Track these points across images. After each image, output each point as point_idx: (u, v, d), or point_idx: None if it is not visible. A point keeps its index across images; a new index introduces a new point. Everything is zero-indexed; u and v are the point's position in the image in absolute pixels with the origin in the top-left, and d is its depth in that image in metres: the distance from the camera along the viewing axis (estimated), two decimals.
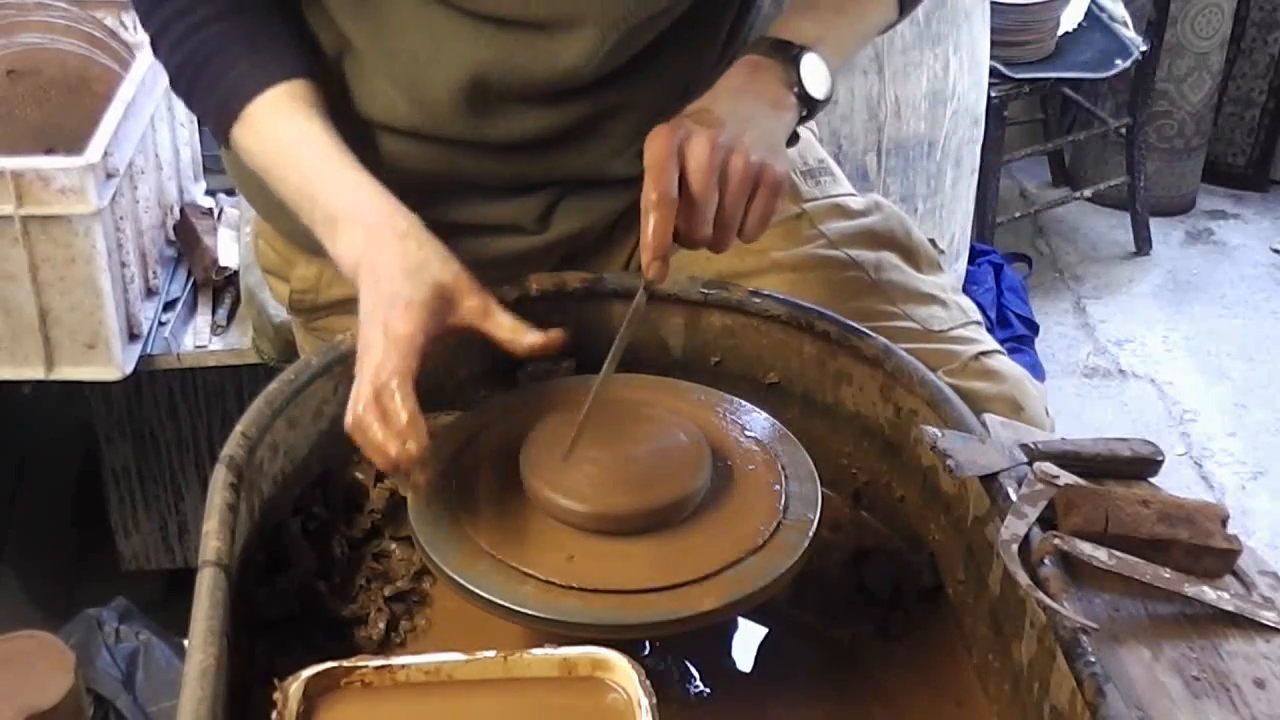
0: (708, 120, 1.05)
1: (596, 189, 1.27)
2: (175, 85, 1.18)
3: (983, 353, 1.27)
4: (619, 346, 1.04)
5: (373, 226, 1.06)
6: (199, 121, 1.21)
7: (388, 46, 1.18)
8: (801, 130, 1.40)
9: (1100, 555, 0.94)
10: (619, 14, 1.13)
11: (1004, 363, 1.28)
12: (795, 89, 1.13)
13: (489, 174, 1.25)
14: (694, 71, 1.23)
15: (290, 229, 1.26)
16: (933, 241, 1.40)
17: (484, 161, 1.23)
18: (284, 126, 1.12)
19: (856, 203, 1.35)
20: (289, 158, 1.11)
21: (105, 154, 1.71)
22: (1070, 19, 3.11)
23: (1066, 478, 1.01)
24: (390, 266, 1.03)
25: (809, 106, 1.14)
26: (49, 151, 1.87)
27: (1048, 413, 1.28)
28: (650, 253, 1.00)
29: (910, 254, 1.34)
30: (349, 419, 0.98)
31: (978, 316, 1.33)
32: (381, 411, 0.97)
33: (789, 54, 1.13)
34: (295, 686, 0.83)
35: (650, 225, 0.99)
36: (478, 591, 0.93)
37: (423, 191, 1.26)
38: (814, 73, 1.13)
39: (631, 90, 1.20)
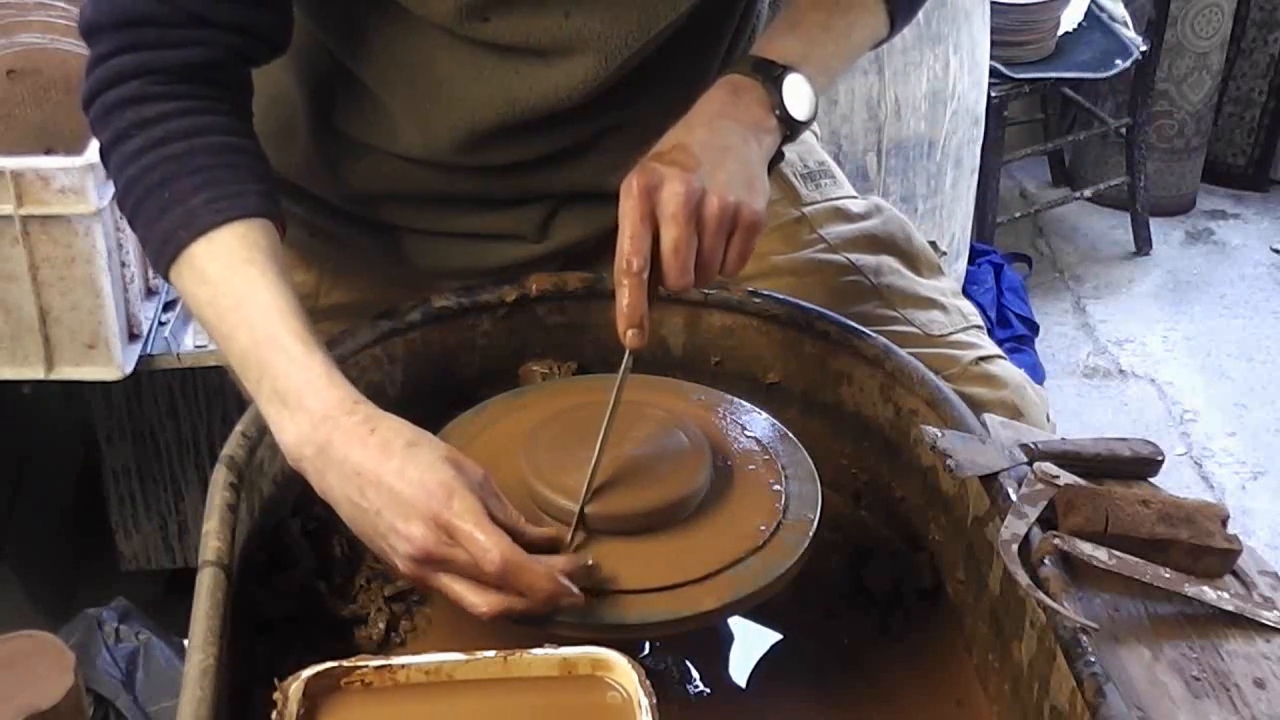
0: (681, 160, 1.01)
1: (597, 200, 1.27)
2: (121, 202, 1.07)
3: (983, 358, 1.27)
4: (613, 411, 1.00)
5: (323, 410, 0.95)
6: (142, 248, 1.09)
7: (388, 81, 1.16)
8: (807, 136, 1.39)
9: (1100, 555, 0.94)
10: (621, 39, 1.11)
11: (1004, 368, 1.28)
12: (777, 111, 1.09)
13: (488, 191, 1.24)
14: (695, 83, 1.22)
15: (289, 237, 1.26)
16: (934, 244, 1.39)
17: (483, 181, 1.23)
18: (232, 277, 1.01)
19: (857, 206, 1.35)
20: (238, 316, 1.00)
21: None
22: (1070, 19, 3.11)
23: (1066, 478, 1.01)
24: (361, 429, 0.94)
25: (791, 128, 1.10)
26: (49, 151, 1.86)
27: (1049, 418, 1.28)
28: (625, 321, 0.99)
29: (910, 258, 1.34)
30: (484, 605, 0.90)
31: (978, 321, 1.33)
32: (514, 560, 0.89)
33: (771, 74, 1.09)
34: (295, 686, 0.83)
35: (625, 297, 0.98)
36: None
37: (421, 203, 1.26)
38: (796, 94, 1.09)
39: (631, 108, 1.20)
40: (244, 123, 1.10)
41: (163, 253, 1.03)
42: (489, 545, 0.88)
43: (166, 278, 1.05)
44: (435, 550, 0.89)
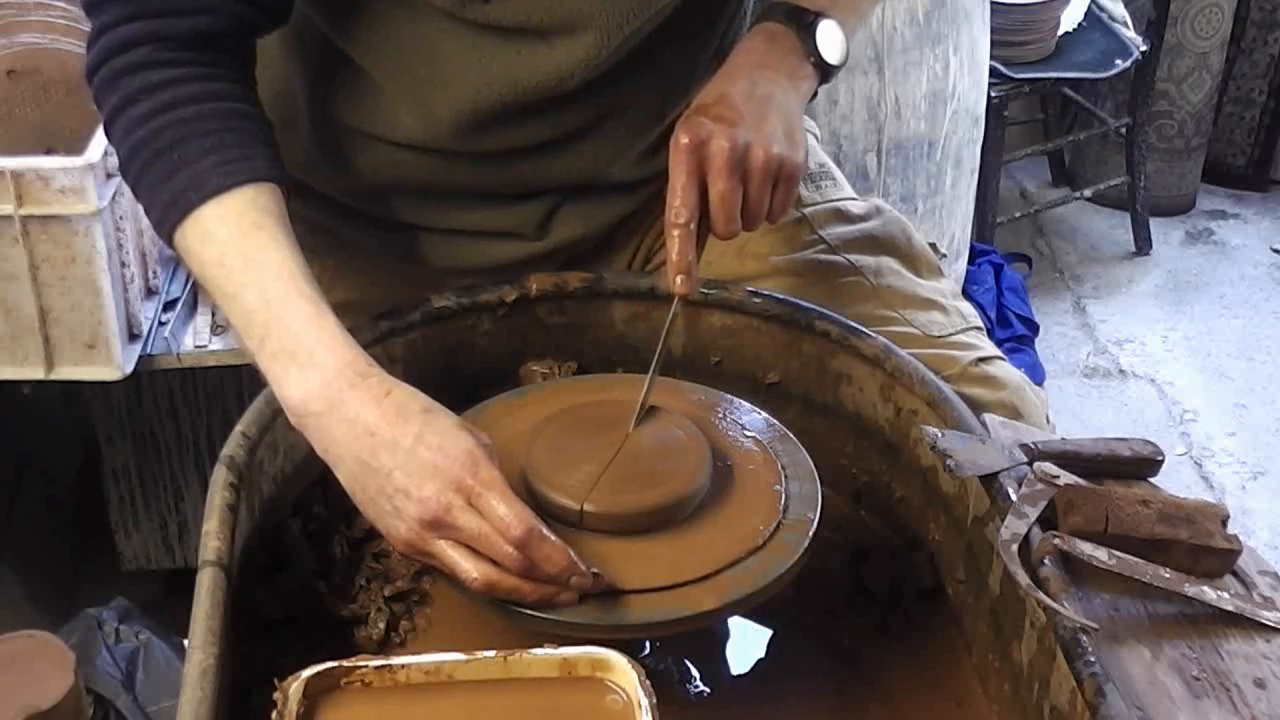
0: (726, 114, 1.06)
1: (596, 195, 1.27)
2: (125, 169, 1.07)
3: (982, 359, 1.27)
4: (658, 361, 1.06)
5: (336, 367, 0.97)
6: (145, 213, 1.08)
7: (388, 66, 1.16)
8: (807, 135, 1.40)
9: (1100, 555, 0.94)
10: (621, 17, 1.12)
11: (1004, 369, 1.28)
12: (812, 58, 1.14)
13: (488, 182, 1.24)
14: (690, 66, 1.23)
15: None
16: (934, 246, 1.40)
17: (483, 170, 1.23)
18: (241, 240, 1.01)
19: (857, 207, 1.35)
20: (246, 276, 1.00)
21: (105, 154, 1.70)
22: (1070, 19, 3.11)
23: (1066, 478, 1.01)
24: (376, 390, 0.95)
25: (824, 72, 1.15)
26: (49, 151, 1.86)
27: (1048, 419, 1.28)
28: (675, 269, 1.05)
29: (910, 259, 1.34)
30: (478, 578, 0.91)
31: (978, 322, 1.33)
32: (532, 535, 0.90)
33: (804, 22, 1.14)
34: (295, 686, 0.83)
35: (675, 246, 1.05)
36: None
37: (421, 197, 1.26)
38: (829, 39, 1.14)
39: (628, 91, 1.20)
40: (250, 90, 1.10)
41: (169, 215, 1.03)
42: (513, 513, 0.90)
43: (170, 241, 1.05)
44: (444, 515, 0.90)
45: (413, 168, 1.22)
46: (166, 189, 1.03)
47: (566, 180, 1.25)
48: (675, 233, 1.05)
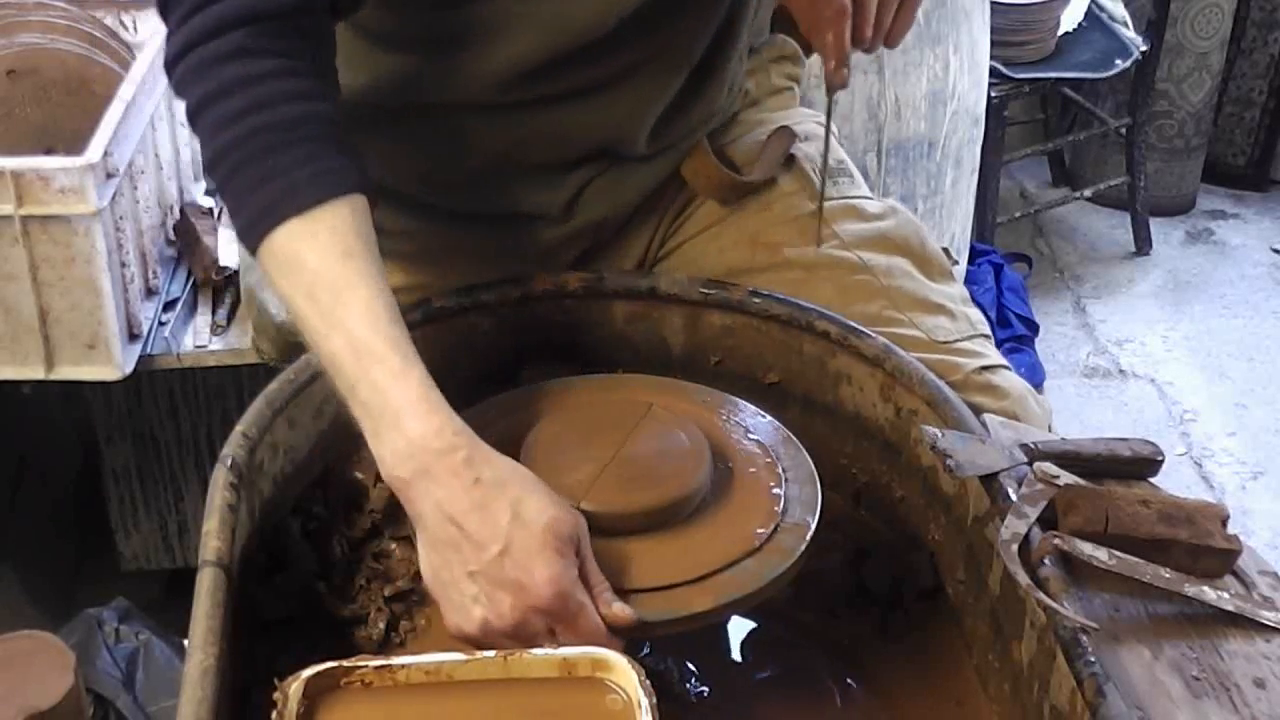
0: None
1: (618, 170, 1.27)
2: (211, 165, 1.02)
3: (986, 367, 1.27)
4: (826, 148, 1.23)
5: (422, 438, 0.94)
6: (230, 217, 1.04)
7: (449, 38, 1.16)
8: (821, 131, 1.41)
9: (1100, 555, 0.94)
10: None
11: (1008, 378, 1.27)
12: None
13: (525, 136, 1.23)
14: (712, 13, 1.24)
15: None
16: (946, 251, 1.40)
17: (522, 122, 1.22)
18: (330, 271, 0.97)
19: (873, 206, 1.35)
20: (335, 317, 0.96)
21: (105, 154, 1.70)
22: (1070, 19, 3.11)
23: (1066, 478, 1.01)
24: (464, 475, 0.93)
25: None
26: (49, 151, 1.86)
27: (1050, 430, 1.28)
28: (834, 59, 1.16)
29: (923, 262, 1.34)
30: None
31: (985, 330, 1.33)
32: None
33: None
34: (295, 686, 0.83)
35: (831, 36, 1.15)
36: None
37: (455, 170, 1.26)
38: None
39: (659, 38, 1.20)
40: (331, 86, 1.06)
41: (257, 225, 0.99)
42: (595, 638, 0.90)
43: (254, 250, 1.00)
44: (518, 631, 0.90)
45: (447, 129, 1.22)
46: (256, 197, 0.99)
47: (600, 132, 1.24)
48: (834, 26, 1.15)
